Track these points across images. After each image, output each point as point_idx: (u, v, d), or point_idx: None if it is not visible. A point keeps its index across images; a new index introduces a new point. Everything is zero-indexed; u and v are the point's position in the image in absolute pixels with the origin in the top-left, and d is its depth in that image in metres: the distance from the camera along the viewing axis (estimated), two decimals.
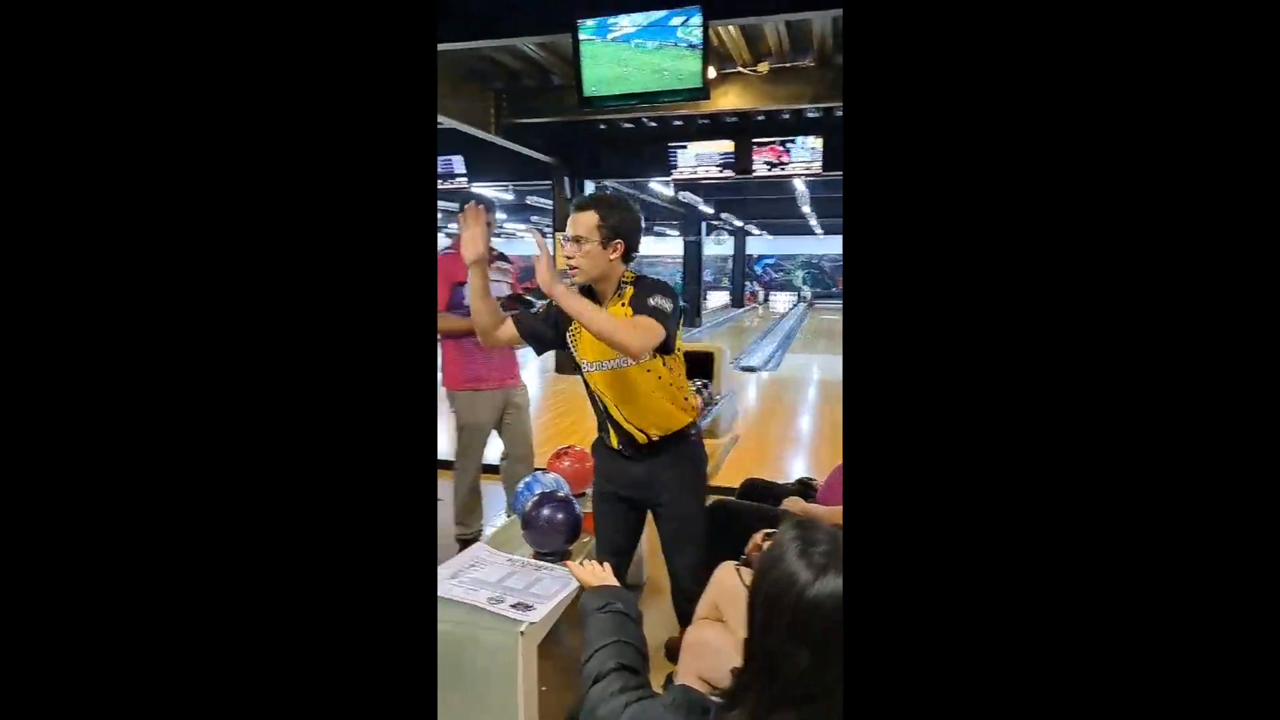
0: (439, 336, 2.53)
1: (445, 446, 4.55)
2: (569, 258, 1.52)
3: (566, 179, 5.46)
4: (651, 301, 1.46)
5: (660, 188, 8.97)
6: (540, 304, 1.68)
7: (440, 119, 4.11)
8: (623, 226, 1.51)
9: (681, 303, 1.58)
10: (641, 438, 1.60)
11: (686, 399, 1.65)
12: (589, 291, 1.56)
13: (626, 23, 3.20)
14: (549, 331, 1.62)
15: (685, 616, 1.65)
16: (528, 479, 1.93)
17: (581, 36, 3.25)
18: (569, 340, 1.61)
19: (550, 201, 5.26)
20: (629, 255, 1.53)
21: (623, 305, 1.52)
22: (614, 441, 1.64)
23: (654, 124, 5.74)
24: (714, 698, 0.79)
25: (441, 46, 3.11)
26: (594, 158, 5.73)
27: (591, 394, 1.65)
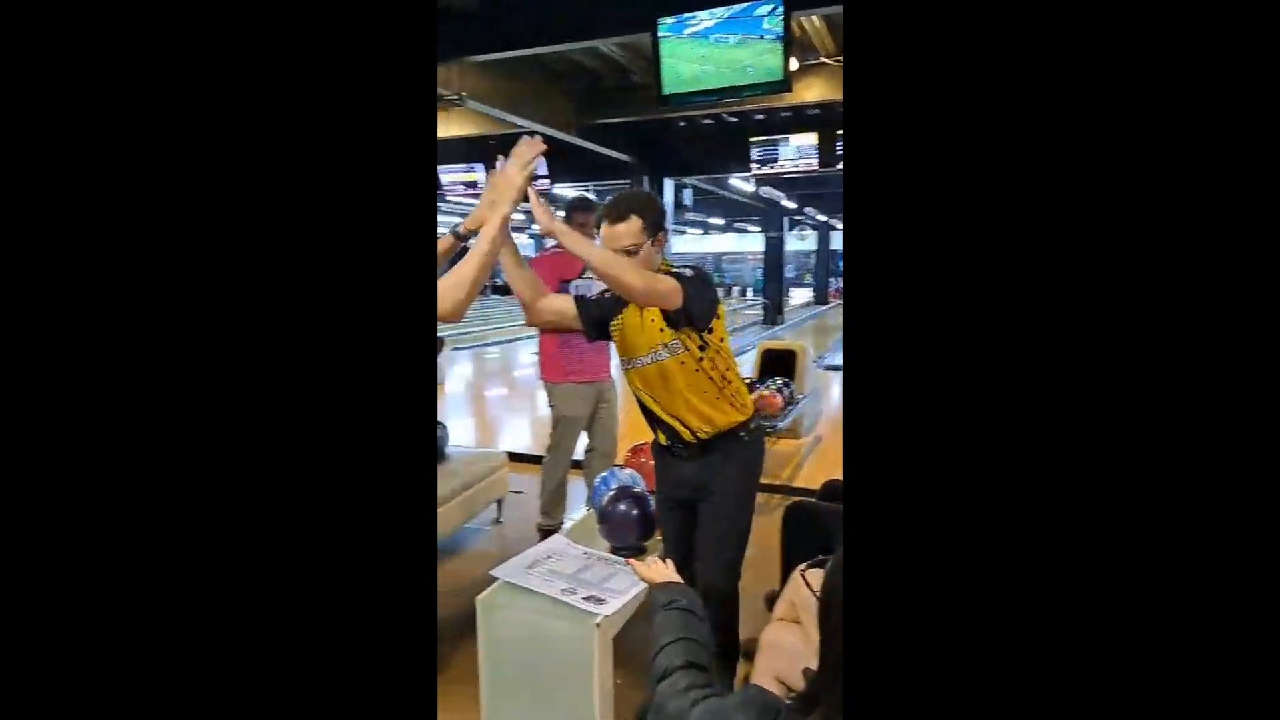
0: (540, 329, 2.60)
1: (528, 441, 4.69)
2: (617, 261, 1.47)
3: (645, 177, 5.47)
4: (675, 269, 1.45)
5: (741, 183, 8.85)
6: (595, 291, 1.63)
7: (522, 122, 4.22)
8: (659, 217, 1.50)
9: (718, 293, 1.53)
10: (688, 434, 1.55)
11: (735, 395, 1.56)
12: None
13: (705, 18, 3.17)
14: (602, 318, 1.57)
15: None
16: (604, 474, 1.95)
17: (660, 34, 3.25)
18: (612, 334, 1.58)
19: None
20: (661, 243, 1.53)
21: None
22: (663, 438, 1.61)
23: (734, 119, 5.67)
24: (789, 700, 0.78)
25: (522, 51, 3.19)
26: (673, 155, 5.72)
27: (636, 394, 1.60)
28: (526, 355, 10.07)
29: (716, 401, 1.53)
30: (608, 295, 1.55)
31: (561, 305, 1.58)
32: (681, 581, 1.10)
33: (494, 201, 1.25)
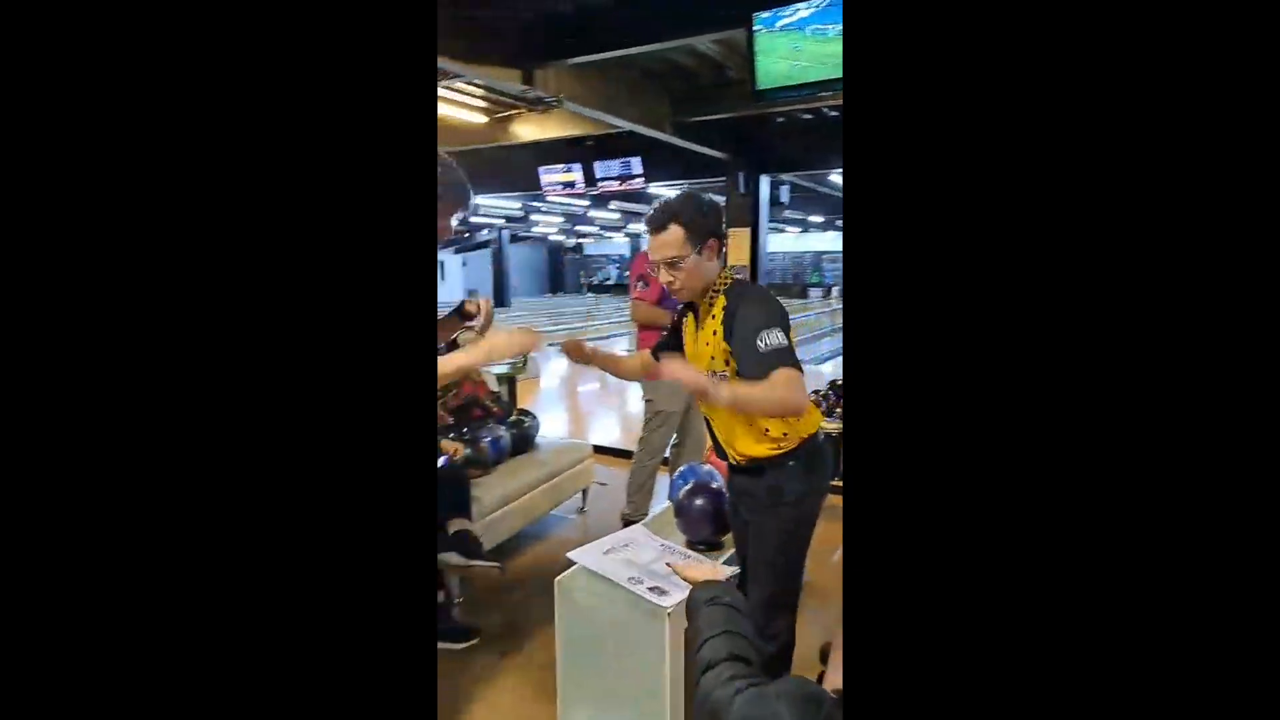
0: (639, 327, 2.66)
1: (617, 435, 4.77)
2: (669, 283, 1.38)
3: (741, 174, 5.42)
4: (763, 344, 1.23)
5: (840, 179, 8.58)
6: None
7: (618, 121, 4.29)
8: (710, 222, 1.35)
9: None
10: (731, 456, 1.49)
11: (767, 430, 1.41)
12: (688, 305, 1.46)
13: (802, 8, 3.11)
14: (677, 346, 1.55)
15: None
16: (683, 468, 1.96)
17: (754, 28, 3.21)
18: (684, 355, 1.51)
19: (724, 198, 5.27)
20: (721, 249, 1.38)
21: (714, 320, 1.36)
22: (729, 457, 1.55)
23: (835, 113, 5.50)
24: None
25: (617, 52, 3.24)
26: (770, 151, 5.63)
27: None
28: (620, 351, 10.23)
29: (746, 432, 1.42)
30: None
31: (648, 358, 1.61)
32: (723, 579, 1.09)
33: (486, 348, 1.25)
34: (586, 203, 11.63)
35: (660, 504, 2.40)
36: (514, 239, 19.60)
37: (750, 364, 1.25)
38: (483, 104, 4.37)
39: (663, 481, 2.86)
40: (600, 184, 6.07)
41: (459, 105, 4.28)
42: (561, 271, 26.07)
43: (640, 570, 1.55)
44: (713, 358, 1.37)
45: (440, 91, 3.92)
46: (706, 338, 1.39)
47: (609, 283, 24.36)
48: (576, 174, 6.41)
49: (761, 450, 1.42)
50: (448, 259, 18.91)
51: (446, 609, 2.18)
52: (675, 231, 1.33)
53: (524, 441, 2.91)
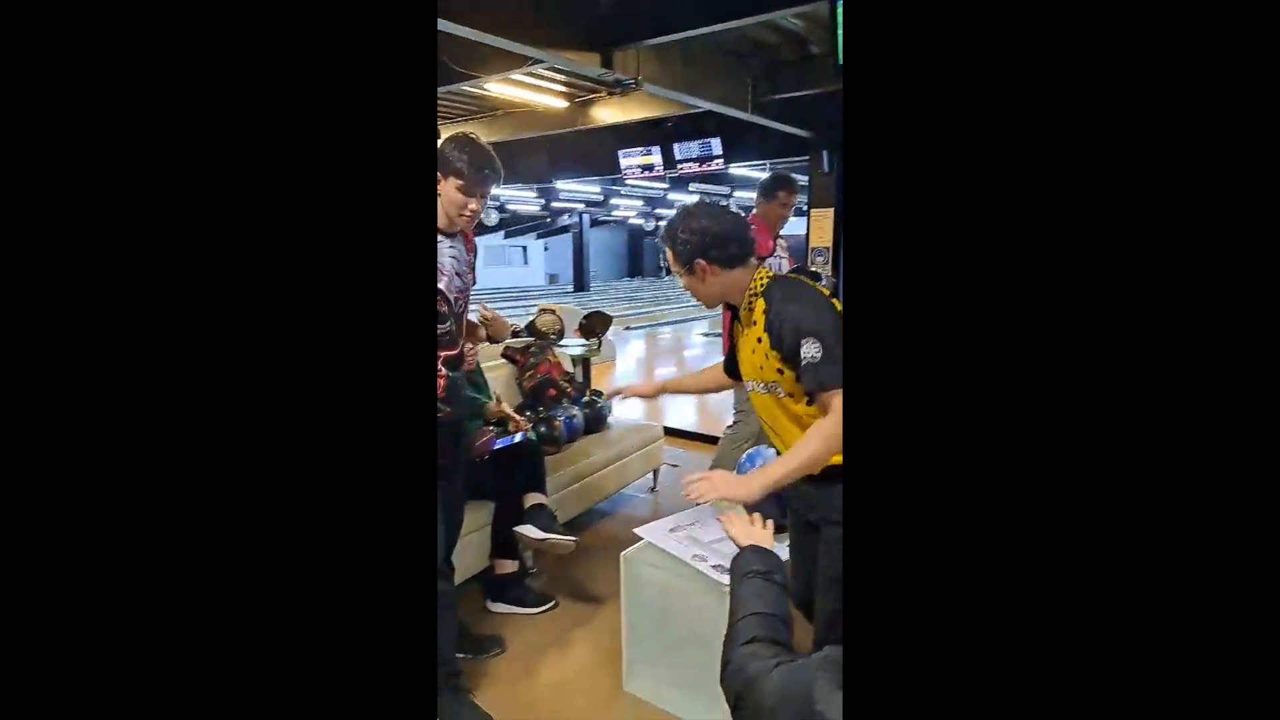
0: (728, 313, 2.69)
1: (692, 419, 4.78)
2: (689, 289, 1.39)
3: (825, 153, 5.26)
4: (807, 357, 1.17)
5: None
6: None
7: (698, 102, 4.25)
8: (691, 246, 1.29)
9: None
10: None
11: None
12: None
13: None
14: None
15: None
16: (751, 450, 1.96)
17: (838, 0, 3.10)
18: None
19: (807, 178, 5.13)
20: (735, 260, 1.29)
21: (755, 327, 1.30)
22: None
23: None
24: None
25: (697, 31, 3.20)
26: None
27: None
28: (697, 335, 10.19)
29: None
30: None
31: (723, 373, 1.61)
32: (772, 547, 1.08)
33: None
34: (666, 185, 11.59)
35: None
36: (594, 223, 19.79)
37: (803, 379, 1.22)
38: (563, 88, 4.43)
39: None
40: (680, 166, 6.03)
41: (540, 90, 4.36)
42: (640, 255, 26.15)
43: (705, 549, 1.57)
44: (761, 367, 1.31)
45: (520, 77, 4.01)
46: (752, 345, 1.32)
47: None
48: (656, 156, 6.40)
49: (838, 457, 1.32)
50: (529, 243, 19.25)
51: (521, 577, 2.28)
52: (669, 250, 1.34)
53: (596, 421, 2.98)
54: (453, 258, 1.68)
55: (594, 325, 3.31)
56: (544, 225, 17.78)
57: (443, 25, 2.63)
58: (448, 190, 1.58)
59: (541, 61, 3.33)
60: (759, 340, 1.29)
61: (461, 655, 1.90)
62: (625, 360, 7.55)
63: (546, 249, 20.22)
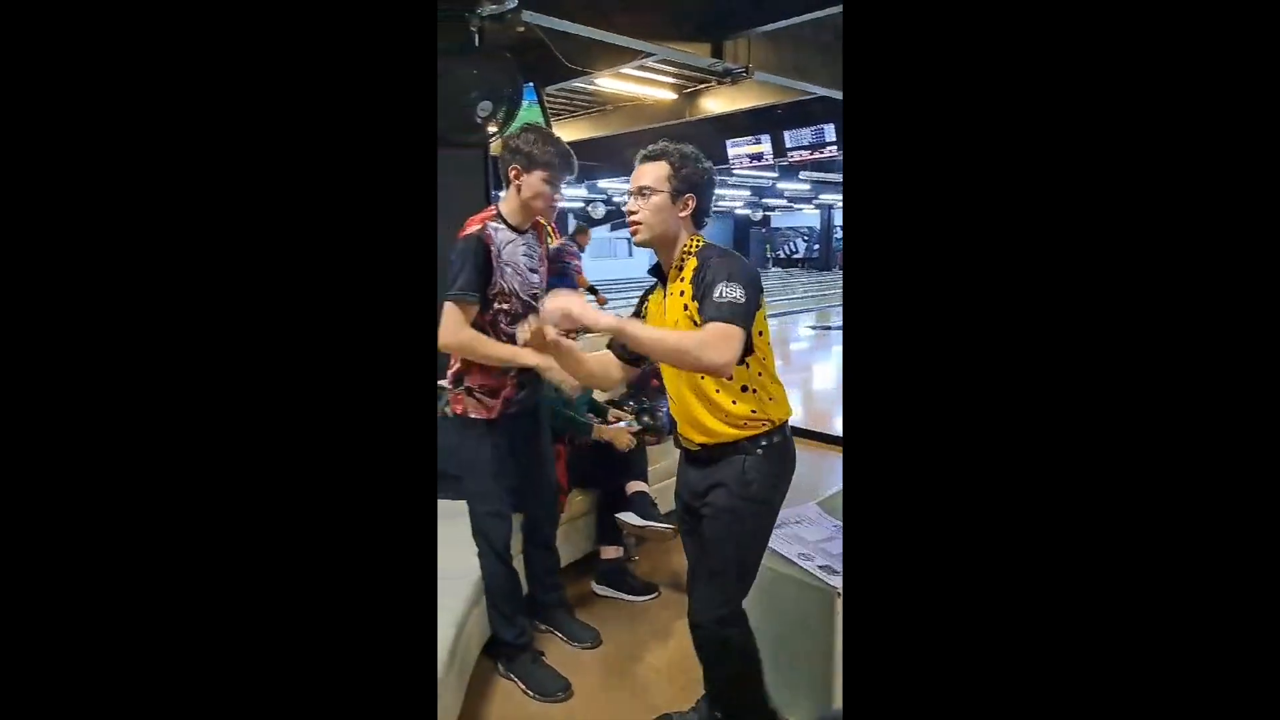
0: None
1: (799, 414, 4.68)
2: (631, 212, 1.32)
3: None
4: (718, 294, 1.17)
5: None
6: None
7: (810, 88, 4.13)
8: (697, 180, 1.31)
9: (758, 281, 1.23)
10: (686, 436, 1.37)
11: (754, 406, 1.30)
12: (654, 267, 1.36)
13: None
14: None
15: (698, 649, 1.40)
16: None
17: None
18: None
19: None
20: (700, 219, 1.33)
21: (681, 282, 1.29)
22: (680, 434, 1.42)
23: None
24: None
25: (809, 15, 3.10)
26: None
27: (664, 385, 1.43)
28: (804, 329, 9.92)
29: (725, 412, 1.30)
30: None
31: (615, 373, 1.44)
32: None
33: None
34: (775, 174, 11.34)
35: (835, 485, 2.33)
36: None
37: (704, 308, 1.18)
38: (672, 80, 4.44)
39: (835, 462, 2.77)
40: (790, 154, 5.89)
41: (649, 83, 4.38)
42: (746, 245, 25.79)
43: (811, 548, 1.54)
44: (677, 322, 1.28)
45: (631, 71, 4.05)
46: (673, 304, 1.31)
47: (796, 256, 23.63)
48: (765, 145, 6.28)
49: (726, 432, 1.30)
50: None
51: (625, 564, 2.33)
52: (661, 167, 1.30)
53: (674, 424, 2.97)
54: (525, 255, 1.68)
55: None
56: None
57: (555, 23, 2.71)
58: (533, 183, 1.59)
59: (652, 54, 3.34)
60: (681, 296, 1.29)
61: (561, 636, 1.97)
62: None
63: None
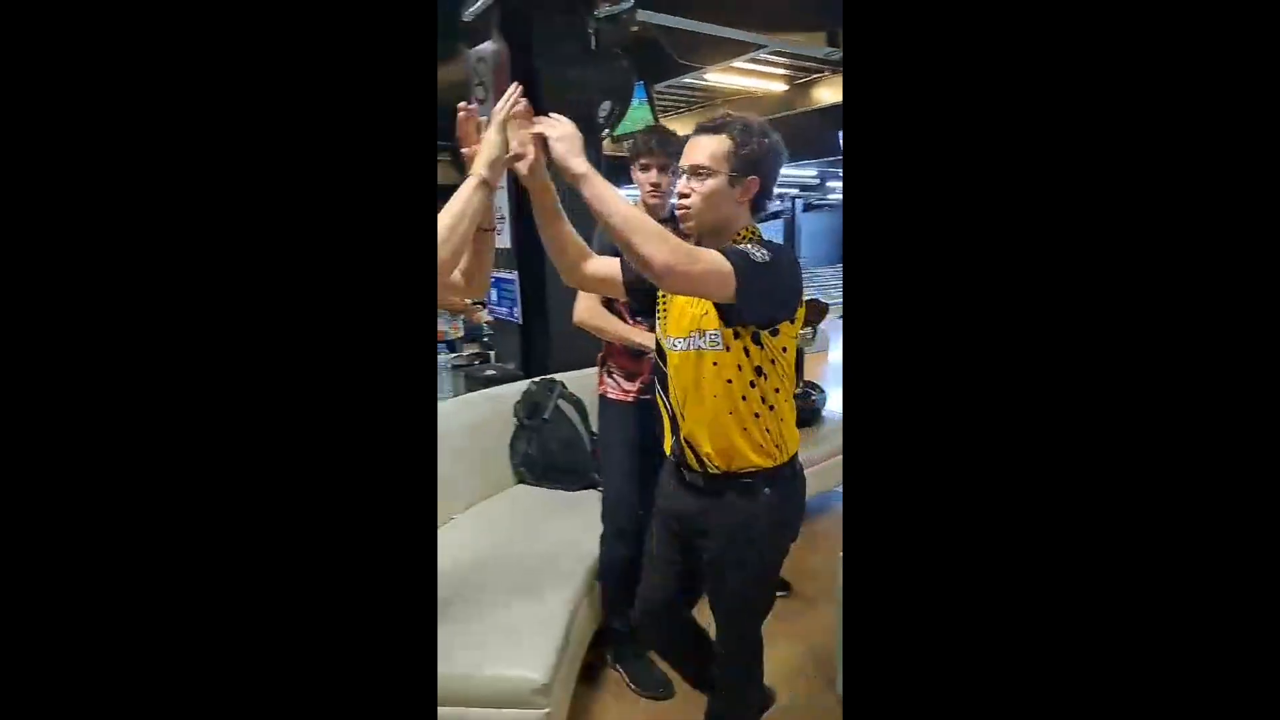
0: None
1: None
2: (682, 195, 1.11)
3: None
4: (744, 246, 1.03)
5: None
6: None
7: None
8: (763, 159, 1.09)
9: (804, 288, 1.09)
10: (694, 460, 1.16)
11: (776, 428, 1.13)
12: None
13: None
14: (651, 286, 1.15)
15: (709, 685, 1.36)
16: None
17: None
18: (658, 308, 1.22)
19: None
20: (760, 203, 1.12)
21: None
22: (669, 448, 1.23)
23: None
24: None
25: None
26: None
27: (665, 384, 1.22)
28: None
29: (746, 431, 1.12)
30: None
31: (609, 270, 1.22)
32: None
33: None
34: None
35: None
36: (807, 207, 19.18)
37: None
38: (784, 72, 4.34)
39: None
40: None
41: (760, 75, 4.31)
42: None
43: None
44: (706, 314, 1.11)
45: (742, 64, 3.99)
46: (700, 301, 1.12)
47: None
48: None
49: (753, 459, 1.12)
50: None
51: None
52: (720, 142, 1.07)
53: (810, 415, 2.89)
54: None
55: (808, 314, 3.22)
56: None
57: (671, 20, 2.71)
58: (642, 179, 1.61)
59: (765, 46, 3.28)
60: None
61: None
62: (837, 350, 7.24)
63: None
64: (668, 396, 1.20)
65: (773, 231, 19.63)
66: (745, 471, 1.13)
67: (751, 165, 1.08)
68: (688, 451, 1.17)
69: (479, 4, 2.50)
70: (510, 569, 1.70)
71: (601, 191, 0.96)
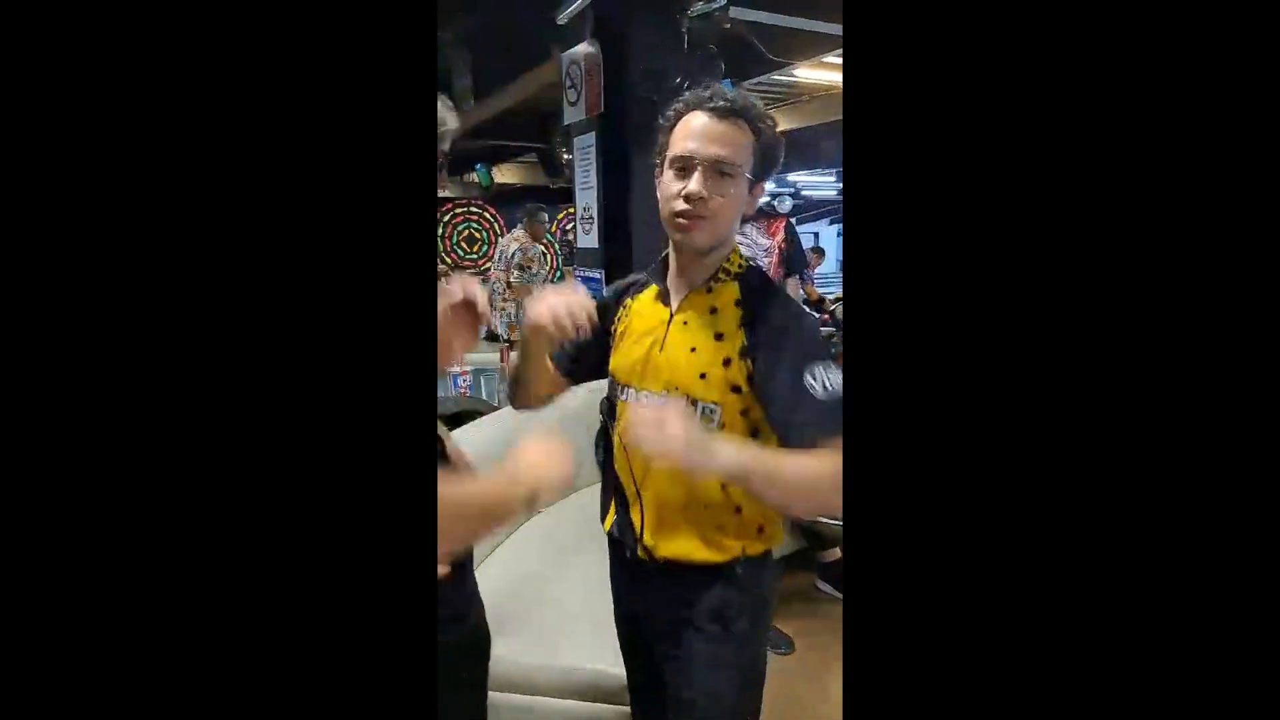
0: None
1: None
2: (694, 197, 0.81)
3: None
4: (818, 382, 0.76)
5: None
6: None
7: None
8: (778, 159, 0.86)
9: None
10: (650, 537, 0.89)
11: (762, 528, 0.89)
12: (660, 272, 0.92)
13: None
14: (590, 353, 0.96)
15: None
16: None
17: None
18: (613, 337, 0.96)
19: None
20: (761, 214, 0.97)
21: (713, 315, 0.86)
22: (612, 524, 0.96)
23: None
24: None
25: None
26: None
27: (609, 442, 0.99)
28: None
29: (723, 509, 0.87)
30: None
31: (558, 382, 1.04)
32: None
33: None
34: None
35: None
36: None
37: (801, 412, 0.77)
38: None
39: None
40: None
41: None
42: None
43: None
44: (703, 375, 0.84)
45: (831, 59, 3.90)
46: (696, 341, 0.86)
47: None
48: None
49: (731, 548, 0.87)
50: (821, 229, 18.85)
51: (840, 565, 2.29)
52: (744, 132, 0.82)
53: None
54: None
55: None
56: (837, 209, 17.34)
57: (764, 16, 2.68)
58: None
59: None
60: (717, 338, 0.85)
61: None
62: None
63: (840, 235, 19.66)
64: (618, 463, 0.95)
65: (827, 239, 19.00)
66: (709, 563, 0.89)
67: (769, 166, 0.86)
68: (646, 530, 0.91)
69: (573, 6, 2.56)
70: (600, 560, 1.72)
71: (773, 472, 0.74)
